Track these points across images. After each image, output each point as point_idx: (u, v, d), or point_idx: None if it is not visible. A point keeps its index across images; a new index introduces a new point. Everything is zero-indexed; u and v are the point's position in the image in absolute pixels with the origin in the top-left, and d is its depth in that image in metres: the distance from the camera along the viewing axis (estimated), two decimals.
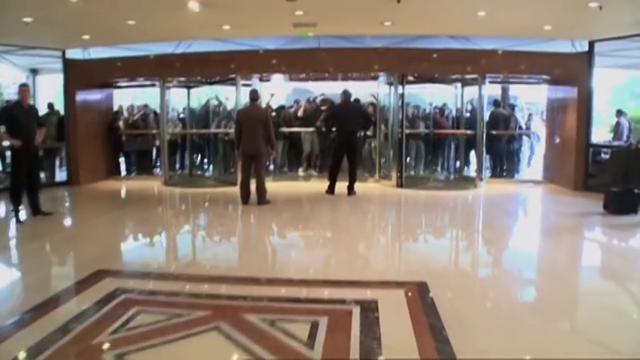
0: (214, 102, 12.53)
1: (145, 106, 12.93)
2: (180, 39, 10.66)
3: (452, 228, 7.72)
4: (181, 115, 13.08)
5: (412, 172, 11.60)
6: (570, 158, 10.04)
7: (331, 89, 12.28)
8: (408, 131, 10.58)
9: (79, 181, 10.88)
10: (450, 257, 6.06)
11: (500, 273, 5.24)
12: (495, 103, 11.84)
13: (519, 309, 4.03)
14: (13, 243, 6.51)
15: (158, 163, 12.33)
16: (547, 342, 3.33)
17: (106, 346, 3.25)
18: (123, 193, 10.42)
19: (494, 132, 11.19)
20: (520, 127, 11.99)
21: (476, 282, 4.89)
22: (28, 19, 8.09)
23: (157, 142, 11.91)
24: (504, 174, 11.72)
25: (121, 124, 11.95)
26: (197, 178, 11.93)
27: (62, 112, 11.23)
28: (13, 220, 7.12)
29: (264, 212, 7.97)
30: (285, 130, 11.58)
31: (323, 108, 11.65)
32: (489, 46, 10.44)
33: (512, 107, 12.06)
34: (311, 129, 11.36)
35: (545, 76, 10.58)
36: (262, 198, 8.27)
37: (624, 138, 11.34)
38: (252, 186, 8.31)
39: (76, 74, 10.90)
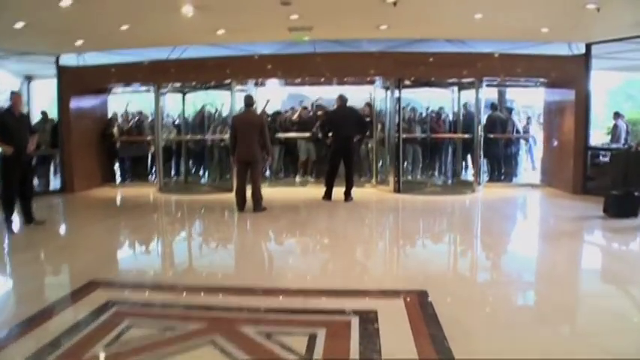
0: (209, 108, 12.43)
1: (140, 112, 12.84)
2: (175, 44, 10.55)
3: (451, 234, 7.61)
4: (176, 122, 12.97)
5: (409, 177, 11.51)
6: (568, 161, 9.97)
7: (327, 94, 12.20)
8: (405, 136, 10.49)
9: (73, 189, 10.75)
10: (450, 264, 5.94)
11: (502, 280, 5.13)
12: (492, 107, 11.76)
13: (522, 317, 3.92)
14: (3, 252, 6.35)
15: (153, 170, 12.21)
16: (552, 353, 3.23)
17: None
18: (117, 201, 10.29)
19: (491, 135, 11.10)
20: (517, 131, 11.91)
21: (477, 290, 4.77)
22: (19, 25, 7.97)
23: (152, 149, 11.80)
24: (502, 178, 11.63)
25: (115, 130, 11.82)
26: (192, 185, 11.82)
27: (56, 118, 11.10)
28: (5, 229, 6.97)
29: (260, 219, 7.86)
30: (280, 135, 11.47)
31: (319, 114, 11.56)
32: (486, 49, 10.36)
33: (510, 110, 11.98)
34: (307, 134, 11.26)
35: (542, 79, 10.53)
36: (258, 205, 8.16)
37: (622, 140, 11.29)
38: (248, 192, 8.21)
39: (70, 80, 10.79)
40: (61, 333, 3.52)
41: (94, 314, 3.89)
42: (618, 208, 7.50)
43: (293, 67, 10.62)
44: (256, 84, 11.22)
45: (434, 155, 12.26)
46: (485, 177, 11.29)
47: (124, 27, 8.40)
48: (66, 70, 10.84)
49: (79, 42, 9.59)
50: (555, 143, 10.59)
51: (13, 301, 4.53)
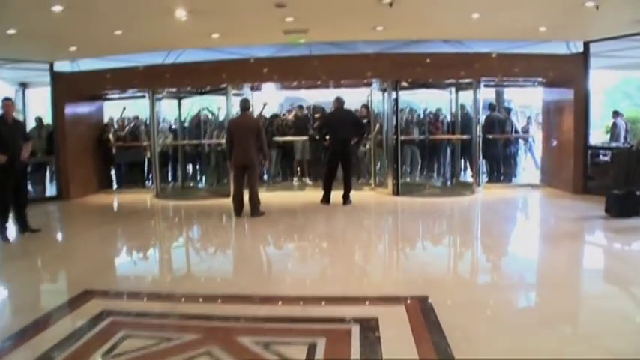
0: (206, 112, 12.35)
1: (136, 117, 12.76)
2: (169, 49, 10.48)
3: (451, 236, 7.52)
4: (173, 126, 12.89)
5: (408, 180, 11.41)
6: (568, 161, 9.90)
7: (324, 97, 12.13)
8: (403, 137, 10.42)
9: (69, 196, 10.66)
10: (451, 268, 5.84)
11: (504, 283, 5.01)
12: (491, 107, 11.68)
13: (526, 322, 3.80)
14: None
15: (150, 176, 12.11)
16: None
17: None
18: (114, 207, 10.21)
19: (490, 136, 11.03)
20: (516, 131, 11.83)
21: (479, 294, 4.66)
22: (12, 32, 7.89)
23: (149, 154, 11.71)
24: (501, 179, 11.55)
25: (111, 136, 11.72)
26: (189, 190, 11.73)
27: (51, 125, 11.01)
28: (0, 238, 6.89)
29: (257, 224, 7.77)
30: (278, 139, 11.40)
31: (316, 116, 11.50)
32: (483, 49, 10.30)
33: (508, 111, 11.90)
34: (304, 138, 11.20)
35: (540, 79, 10.45)
36: (256, 209, 8.07)
37: (621, 139, 11.23)
38: (246, 197, 8.12)
39: (65, 87, 10.72)
40: (54, 345, 3.43)
41: (89, 324, 3.80)
42: (620, 207, 7.41)
43: (289, 70, 10.53)
44: (252, 88, 11.14)
45: (432, 157, 12.17)
46: (484, 178, 11.20)
47: (118, 32, 8.30)
48: (60, 76, 10.77)
49: (73, 48, 9.50)
50: (554, 143, 10.52)
51: (5, 312, 4.43)
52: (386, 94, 10.47)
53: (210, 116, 12.38)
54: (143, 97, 11.27)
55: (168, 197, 10.70)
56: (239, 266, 6.00)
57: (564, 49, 10.07)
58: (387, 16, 7.75)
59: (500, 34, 9.44)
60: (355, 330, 3.54)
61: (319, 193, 9.25)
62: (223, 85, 10.47)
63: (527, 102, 15.91)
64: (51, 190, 11.37)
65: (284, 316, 3.96)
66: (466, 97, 11.15)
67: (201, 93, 11.72)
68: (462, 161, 11.86)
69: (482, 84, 10.29)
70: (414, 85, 10.82)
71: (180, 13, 7.20)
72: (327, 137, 9.24)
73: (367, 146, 11.27)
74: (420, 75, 10.39)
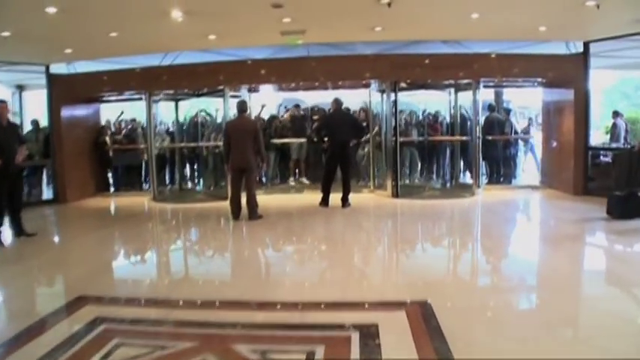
0: (204, 114, 12.27)
1: (133, 120, 12.68)
2: (166, 50, 10.38)
3: (452, 239, 7.44)
4: (170, 129, 12.80)
5: (407, 181, 11.33)
6: (569, 162, 9.82)
7: (322, 98, 12.05)
8: (402, 139, 10.33)
9: (66, 199, 10.58)
10: (452, 272, 5.75)
11: (507, 288, 4.92)
12: (490, 108, 11.60)
13: (530, 328, 3.70)
14: None
15: (147, 178, 12.01)
16: None
17: None
18: (110, 211, 10.10)
19: (489, 137, 10.94)
20: (516, 132, 11.76)
21: (481, 298, 4.55)
22: (6, 34, 7.81)
23: (146, 157, 11.61)
24: (501, 180, 11.47)
25: (107, 139, 11.63)
26: (187, 193, 11.64)
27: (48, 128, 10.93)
28: None
29: (255, 228, 7.68)
30: (276, 141, 11.31)
31: (315, 118, 11.41)
32: (482, 50, 10.22)
33: (508, 112, 11.82)
34: (302, 140, 11.12)
35: (540, 79, 10.38)
36: (253, 212, 7.98)
37: (621, 140, 11.17)
38: (243, 200, 8.03)
39: (61, 89, 10.63)
40: (45, 353, 3.34)
41: (82, 332, 3.72)
42: (622, 209, 7.33)
43: (287, 71, 10.45)
44: (250, 89, 11.07)
45: (432, 158, 12.08)
46: (484, 179, 11.11)
47: (113, 34, 8.22)
48: (57, 78, 10.69)
49: (68, 50, 9.43)
50: (554, 144, 10.44)
51: None
52: (384, 95, 10.39)
53: (207, 118, 12.30)
54: (140, 99, 11.19)
55: (165, 200, 10.60)
56: (236, 271, 5.91)
57: (564, 49, 9.99)
58: (386, 17, 7.68)
59: (500, 34, 9.36)
60: (355, 337, 3.46)
61: (318, 196, 9.16)
62: (220, 87, 10.39)
63: (525, 103, 15.86)
64: (47, 193, 11.26)
65: (282, 323, 3.85)
66: (465, 98, 11.06)
67: (199, 95, 11.63)
68: (462, 163, 11.77)
69: (481, 85, 10.21)
70: (412, 86, 10.76)
71: (176, 14, 7.11)
72: (326, 139, 9.14)
73: (366, 149, 11.18)
74: (418, 76, 10.31)
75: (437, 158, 12.13)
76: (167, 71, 10.62)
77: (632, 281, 4.80)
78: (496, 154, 11.37)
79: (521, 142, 12.52)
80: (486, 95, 12.01)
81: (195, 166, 12.74)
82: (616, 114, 11.55)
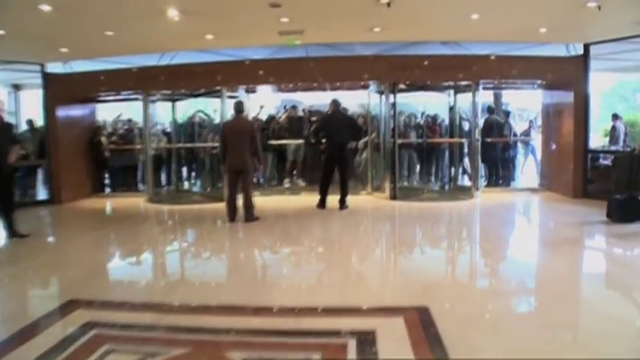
0: (201, 115, 12.18)
1: (129, 120, 12.58)
2: (162, 50, 10.30)
3: (451, 243, 7.34)
4: (167, 129, 12.70)
5: (405, 183, 11.24)
6: (568, 165, 9.76)
7: (318, 100, 11.98)
8: (400, 141, 10.25)
9: (61, 200, 10.50)
10: (452, 276, 5.65)
11: (507, 293, 4.82)
12: (489, 110, 11.53)
13: (534, 335, 3.61)
14: None
15: (144, 179, 11.92)
16: None
17: None
18: (105, 212, 9.98)
19: (488, 140, 10.86)
20: (515, 134, 11.69)
21: (482, 304, 4.45)
22: (1, 32, 7.72)
23: (142, 158, 11.52)
24: (500, 182, 11.39)
25: (103, 139, 11.53)
26: (183, 194, 11.54)
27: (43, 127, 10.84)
28: None
29: (251, 230, 7.59)
30: (273, 142, 11.23)
31: (313, 119, 11.32)
32: (482, 51, 10.15)
33: (507, 114, 11.74)
34: (299, 141, 11.04)
35: (539, 81, 10.30)
36: (250, 214, 7.89)
37: (620, 142, 11.11)
38: (240, 202, 7.94)
39: (57, 89, 10.55)
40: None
41: (72, 337, 3.63)
42: (622, 212, 7.26)
43: (285, 72, 10.37)
44: (247, 90, 10.99)
45: (430, 160, 12.00)
46: (482, 182, 11.03)
47: (109, 33, 8.13)
48: (53, 78, 10.60)
49: (64, 49, 9.34)
50: (554, 146, 10.37)
51: None
52: (383, 96, 10.31)
53: (205, 119, 12.21)
54: (137, 99, 11.09)
55: (161, 201, 10.50)
56: (231, 274, 5.81)
57: (564, 51, 9.93)
58: (385, 17, 7.61)
59: (500, 35, 9.29)
60: (352, 344, 3.37)
61: (315, 197, 9.07)
62: (218, 88, 10.30)
63: (524, 105, 15.78)
64: (42, 193, 11.17)
65: (277, 330, 3.74)
66: (465, 99, 10.99)
67: (196, 95, 11.54)
68: (460, 165, 11.70)
69: (480, 86, 10.14)
70: (411, 87, 10.68)
71: (173, 13, 7.02)
72: (324, 140, 9.06)
73: (364, 156, 11.10)
74: (417, 77, 10.24)
75: (435, 160, 12.05)
76: (164, 71, 10.52)
77: (634, 285, 4.73)
78: (495, 156, 11.29)
79: (522, 145, 12.44)
80: (485, 97, 11.95)
81: (192, 167, 12.64)
82: (615, 117, 11.49)
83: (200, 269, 6.06)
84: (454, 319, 3.92)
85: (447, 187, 11.49)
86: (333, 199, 8.90)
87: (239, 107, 8.09)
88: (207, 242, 7.48)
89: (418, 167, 11.89)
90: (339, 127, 8.90)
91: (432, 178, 12.01)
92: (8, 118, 12.29)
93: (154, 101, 11.21)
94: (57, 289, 5.26)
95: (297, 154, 11.46)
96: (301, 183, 11.42)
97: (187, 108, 13.03)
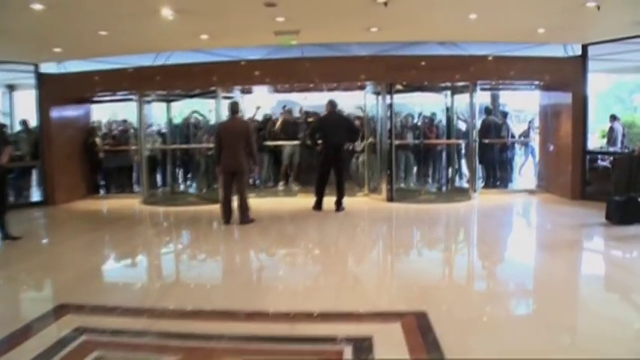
0: (196, 115, 12.09)
1: (124, 121, 12.48)
2: (157, 50, 10.23)
3: (449, 245, 7.24)
4: (162, 130, 12.60)
5: (402, 185, 11.16)
6: (566, 166, 9.70)
7: (317, 100, 11.89)
8: (397, 142, 10.17)
9: (55, 201, 10.38)
10: (450, 280, 5.57)
11: (507, 298, 4.73)
12: (487, 111, 11.45)
13: (537, 343, 3.50)
14: None
15: (139, 181, 11.81)
16: None
17: None
18: (99, 214, 9.85)
19: (486, 141, 10.79)
20: (512, 136, 11.62)
21: (481, 309, 4.35)
22: None
23: (137, 159, 11.41)
24: (497, 184, 11.31)
25: (97, 140, 11.42)
26: (178, 196, 11.41)
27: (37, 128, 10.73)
28: None
29: (246, 232, 7.49)
30: (269, 143, 11.14)
31: (309, 120, 11.23)
32: (479, 52, 10.09)
33: (505, 115, 11.67)
34: (295, 142, 10.96)
35: (537, 82, 10.22)
36: (245, 216, 7.80)
37: (618, 143, 11.05)
38: (235, 203, 7.85)
39: (51, 89, 10.44)
40: None
41: (60, 344, 3.54)
42: (622, 214, 7.19)
43: (281, 72, 10.29)
44: (243, 91, 10.90)
45: (427, 162, 11.92)
46: (480, 183, 10.95)
47: (102, 32, 8.02)
48: (46, 78, 10.50)
49: (57, 49, 9.22)
50: (552, 148, 10.30)
51: None
52: (380, 97, 10.24)
53: (200, 119, 12.11)
54: (132, 99, 10.99)
55: (156, 203, 10.40)
56: (225, 278, 5.72)
57: (561, 51, 9.88)
58: (382, 17, 7.52)
59: (498, 35, 9.24)
60: (347, 351, 3.29)
61: (311, 199, 8.99)
62: (213, 88, 10.22)
63: (521, 106, 15.72)
64: (36, 195, 11.04)
65: (271, 336, 3.65)
66: (462, 100, 10.92)
67: (191, 96, 11.44)
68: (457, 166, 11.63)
69: (478, 87, 10.08)
70: (408, 88, 10.60)
71: (166, 13, 6.92)
72: (320, 142, 8.97)
73: (360, 158, 11.02)
74: (414, 78, 10.18)
75: (433, 161, 11.97)
76: (159, 71, 10.45)
77: (635, 288, 4.68)
78: (492, 157, 11.21)
79: (523, 146, 12.39)
80: (483, 98, 11.88)
81: (188, 169, 12.54)
82: (613, 118, 11.44)
83: (193, 273, 5.97)
84: (452, 324, 3.83)
85: (444, 188, 11.40)
86: (329, 201, 8.81)
87: (234, 108, 8.00)
88: (201, 245, 7.38)
89: (415, 169, 11.80)
90: (335, 128, 8.82)
91: (429, 180, 11.93)
92: (2, 119, 12.31)
93: (149, 102, 11.12)
94: (47, 293, 5.16)
95: (292, 158, 11.36)
96: (295, 187, 11.31)
97: (182, 109, 12.95)
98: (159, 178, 12.11)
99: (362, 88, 10.79)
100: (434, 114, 11.95)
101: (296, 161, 11.38)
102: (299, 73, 10.21)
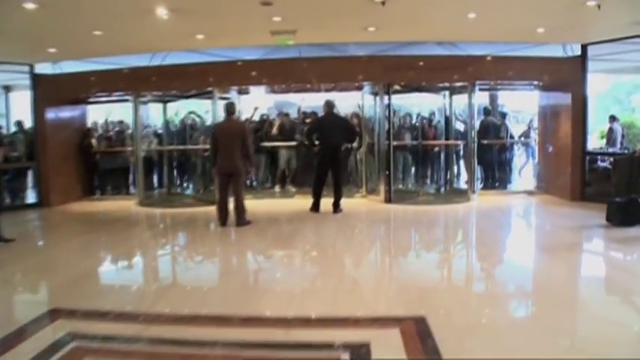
0: (193, 116, 12.00)
1: (121, 122, 12.39)
2: (152, 50, 10.15)
3: (447, 247, 7.16)
4: (159, 131, 12.51)
5: (400, 186, 11.08)
6: (566, 167, 9.63)
7: (315, 101, 11.81)
8: (395, 143, 10.09)
9: (50, 203, 10.30)
10: (449, 283, 5.47)
11: (507, 302, 4.64)
12: (485, 112, 11.38)
13: (540, 349, 3.40)
14: None
15: (135, 182, 11.72)
16: None
17: None
18: (94, 216, 9.75)
19: (485, 141, 10.71)
20: (511, 136, 11.55)
21: (482, 314, 4.26)
22: None
23: (133, 160, 11.32)
24: (496, 185, 11.24)
25: (93, 141, 11.33)
26: (175, 197, 11.33)
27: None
28: None
29: (242, 234, 7.41)
30: (266, 144, 11.06)
31: (307, 121, 11.15)
32: (478, 52, 10.03)
33: (503, 115, 11.60)
34: (292, 143, 10.88)
35: (536, 82, 10.16)
36: (241, 218, 7.71)
37: (618, 144, 10.99)
38: (231, 205, 7.76)
39: (46, 90, 10.37)
40: None
41: (50, 350, 3.43)
42: (622, 216, 7.12)
43: (278, 73, 10.23)
44: (240, 91, 10.83)
45: (425, 163, 11.83)
46: (479, 184, 10.88)
47: (97, 32, 7.94)
48: (42, 79, 10.42)
49: (52, 50, 9.15)
50: (551, 148, 10.23)
51: None
52: (377, 98, 10.16)
53: (197, 120, 12.03)
54: (128, 100, 10.90)
55: (152, 204, 10.32)
56: (221, 282, 5.62)
57: (561, 52, 9.83)
58: (380, 16, 7.45)
59: (497, 35, 9.17)
60: (345, 358, 3.19)
61: (308, 201, 8.91)
62: (210, 89, 10.15)
63: (519, 107, 15.65)
64: (31, 196, 10.94)
65: (266, 342, 3.55)
66: (460, 101, 10.86)
67: (187, 97, 11.36)
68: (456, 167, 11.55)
69: (476, 87, 10.00)
70: (406, 88, 10.52)
71: (161, 12, 6.83)
72: (317, 142, 8.89)
73: (358, 157, 10.94)
74: (412, 78, 10.12)
75: (431, 162, 11.88)
76: (155, 72, 10.41)
77: (636, 290, 4.61)
78: (491, 158, 11.14)
79: (521, 147, 12.31)
80: (482, 99, 11.82)
81: (184, 170, 12.44)
82: (613, 118, 11.37)
83: (188, 276, 5.87)
84: (452, 329, 3.74)
85: (442, 189, 11.33)
86: (326, 203, 8.73)
87: (230, 108, 7.92)
88: (197, 247, 7.27)
89: (413, 170, 11.72)
90: (332, 129, 8.74)
91: (428, 181, 11.85)
92: None
93: (145, 102, 11.03)
94: (38, 297, 5.06)
95: (289, 163, 11.28)
96: (292, 189, 11.22)
97: (179, 109, 12.86)
98: (155, 179, 12.02)
99: (360, 88, 10.72)
100: (432, 114, 11.88)
101: (293, 166, 11.30)
102: (296, 73, 10.15)
